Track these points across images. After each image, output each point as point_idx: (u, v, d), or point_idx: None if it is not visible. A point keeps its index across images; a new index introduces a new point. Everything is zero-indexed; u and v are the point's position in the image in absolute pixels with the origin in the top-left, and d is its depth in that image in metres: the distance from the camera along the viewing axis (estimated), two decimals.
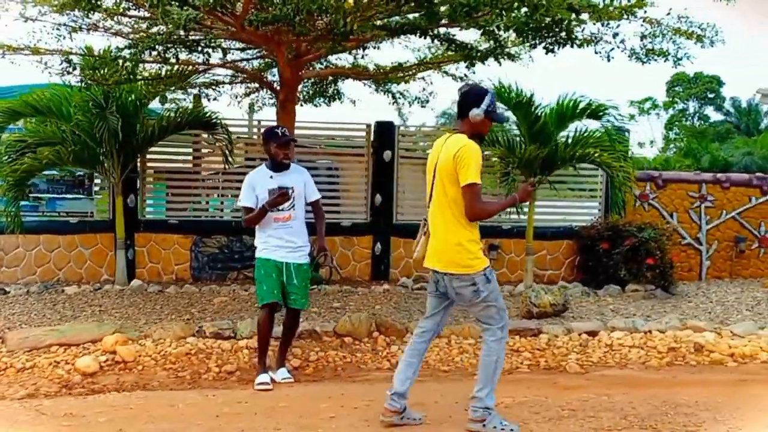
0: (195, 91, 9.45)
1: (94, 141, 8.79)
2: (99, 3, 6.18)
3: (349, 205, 10.70)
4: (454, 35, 7.23)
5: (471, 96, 4.14)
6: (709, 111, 45.07)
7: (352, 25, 5.59)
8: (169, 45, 6.38)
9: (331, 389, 5.21)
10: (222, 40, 7.77)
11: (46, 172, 9.59)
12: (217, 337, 6.23)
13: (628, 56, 7.75)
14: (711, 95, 44.41)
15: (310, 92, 9.34)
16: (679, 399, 4.97)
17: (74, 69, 6.87)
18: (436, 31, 7.09)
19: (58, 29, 6.84)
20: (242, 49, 8.14)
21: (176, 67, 7.69)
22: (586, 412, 4.64)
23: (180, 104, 9.52)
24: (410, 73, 9.00)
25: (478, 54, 7.17)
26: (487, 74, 11.01)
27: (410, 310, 7.82)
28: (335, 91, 9.12)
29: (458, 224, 4.11)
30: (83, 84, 7.33)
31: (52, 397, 4.97)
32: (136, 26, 6.71)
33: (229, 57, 8.31)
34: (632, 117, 36.91)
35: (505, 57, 8.81)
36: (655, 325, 7.07)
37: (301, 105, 9.55)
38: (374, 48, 8.85)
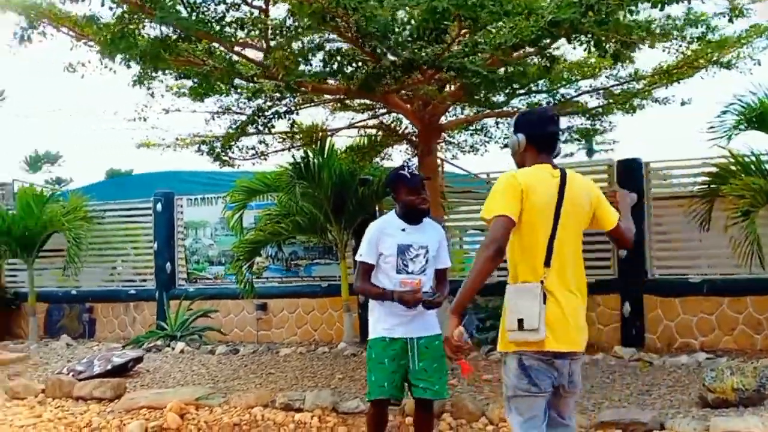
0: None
1: (319, 210, 9.41)
2: (210, 91, 6.71)
3: (590, 259, 9.26)
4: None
5: None
6: None
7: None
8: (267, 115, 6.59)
9: None
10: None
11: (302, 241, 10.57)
12: (285, 408, 6.07)
13: None
14: None
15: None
16: None
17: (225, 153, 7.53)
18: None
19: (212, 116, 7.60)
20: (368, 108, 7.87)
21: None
22: None
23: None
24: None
25: None
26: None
27: (582, 392, 6.39)
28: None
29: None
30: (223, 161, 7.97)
31: None
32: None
33: (359, 117, 8.14)
34: None
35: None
36: None
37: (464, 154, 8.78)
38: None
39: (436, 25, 4.36)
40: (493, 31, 4.61)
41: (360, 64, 5.33)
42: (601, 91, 7.63)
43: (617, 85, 7.38)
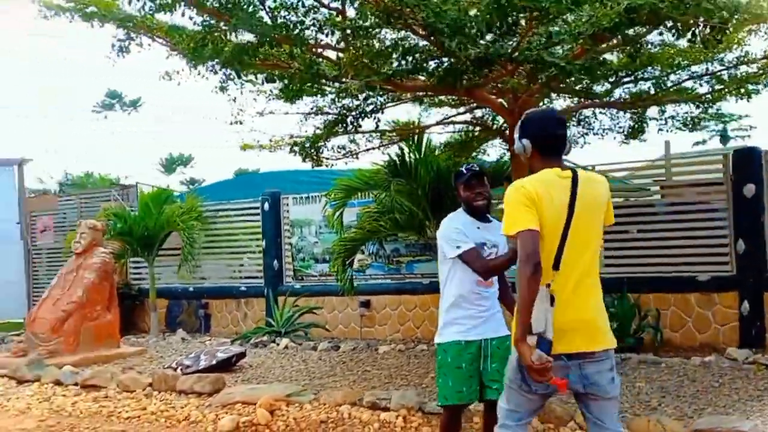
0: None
1: (417, 207, 9.35)
2: (299, 93, 6.82)
3: (706, 255, 8.71)
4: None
5: None
6: None
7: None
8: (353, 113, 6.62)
9: None
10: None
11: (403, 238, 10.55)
12: (371, 407, 6.06)
13: None
14: None
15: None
16: None
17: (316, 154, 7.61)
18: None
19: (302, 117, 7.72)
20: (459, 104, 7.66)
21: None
22: None
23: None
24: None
25: None
26: None
27: (686, 396, 6.07)
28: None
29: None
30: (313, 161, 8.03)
31: None
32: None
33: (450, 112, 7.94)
34: None
35: None
36: None
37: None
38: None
39: (502, 18, 4.20)
40: (571, 21, 4.39)
41: (438, 60, 5.24)
42: (709, 77, 7.13)
43: (723, 69, 6.88)
